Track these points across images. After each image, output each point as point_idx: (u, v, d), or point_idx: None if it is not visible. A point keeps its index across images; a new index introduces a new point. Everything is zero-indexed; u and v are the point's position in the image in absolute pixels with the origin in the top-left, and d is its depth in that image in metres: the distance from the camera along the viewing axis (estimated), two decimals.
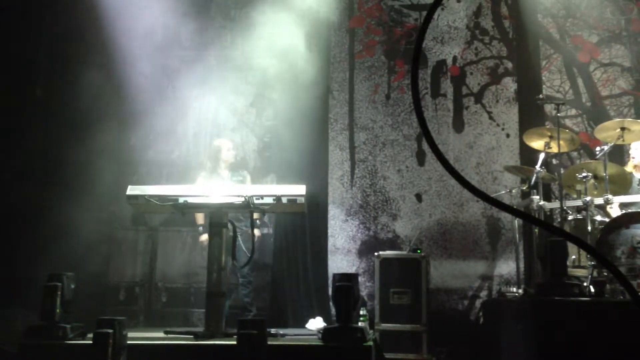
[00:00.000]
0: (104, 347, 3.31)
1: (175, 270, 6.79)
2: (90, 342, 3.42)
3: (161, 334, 4.47)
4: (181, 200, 4.41)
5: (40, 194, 5.81)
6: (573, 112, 6.95)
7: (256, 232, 5.54)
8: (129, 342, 3.54)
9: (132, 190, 4.45)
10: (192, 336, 4.16)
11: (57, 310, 3.90)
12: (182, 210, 4.53)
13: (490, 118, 7.03)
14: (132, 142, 6.95)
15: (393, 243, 6.73)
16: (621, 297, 4.14)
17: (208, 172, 5.84)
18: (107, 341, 3.32)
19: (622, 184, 5.04)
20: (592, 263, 4.52)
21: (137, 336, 4.12)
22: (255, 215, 5.48)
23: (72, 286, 4.06)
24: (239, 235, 4.83)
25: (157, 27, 6.73)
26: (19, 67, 5.99)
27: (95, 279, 6.24)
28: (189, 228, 6.61)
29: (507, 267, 6.58)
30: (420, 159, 7.01)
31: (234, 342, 3.47)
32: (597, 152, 4.95)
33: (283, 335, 4.35)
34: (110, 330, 3.36)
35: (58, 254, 5.16)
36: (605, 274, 4.35)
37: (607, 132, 5.08)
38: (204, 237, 5.45)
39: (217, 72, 7.03)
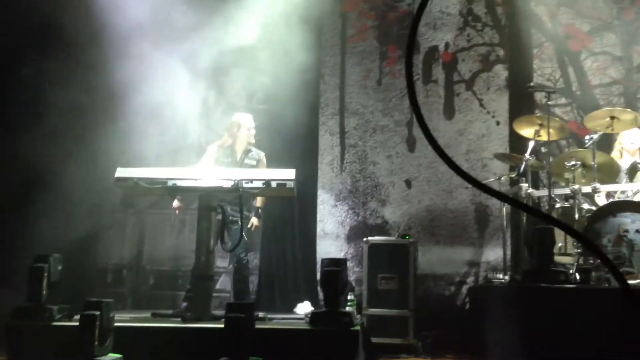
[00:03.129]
0: (91, 329, 3.31)
1: (163, 253, 6.77)
2: (77, 324, 3.41)
3: (148, 317, 4.47)
4: (170, 183, 4.39)
5: (27, 176, 5.76)
6: (563, 100, 6.96)
7: (254, 220, 5.44)
8: (116, 324, 3.54)
9: (120, 172, 4.42)
10: (179, 319, 4.16)
11: (44, 292, 3.89)
12: (171, 193, 4.51)
13: (481, 105, 7.03)
14: (121, 124, 6.88)
15: (382, 229, 6.75)
16: (606, 285, 4.18)
17: (221, 147, 5.48)
18: (94, 323, 3.32)
19: (610, 172, 5.07)
20: (579, 250, 4.56)
21: (124, 318, 4.12)
22: (258, 203, 5.42)
23: (59, 268, 4.05)
24: (240, 223, 4.74)
25: (146, 7, 6.64)
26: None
27: (82, 261, 6.20)
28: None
29: (494, 253, 6.62)
30: (411, 145, 7.00)
31: (222, 326, 3.48)
32: (586, 141, 4.97)
33: (271, 319, 4.37)
34: (97, 312, 3.35)
35: (45, 236, 5.12)
36: (591, 261, 4.39)
37: (596, 121, 5.10)
38: (176, 203, 5.23)
39: (207, 54, 6.96)
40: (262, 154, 5.61)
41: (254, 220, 5.43)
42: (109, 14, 6.32)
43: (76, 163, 5.93)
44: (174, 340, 3.80)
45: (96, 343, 3.31)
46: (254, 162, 5.47)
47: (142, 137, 6.89)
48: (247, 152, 5.51)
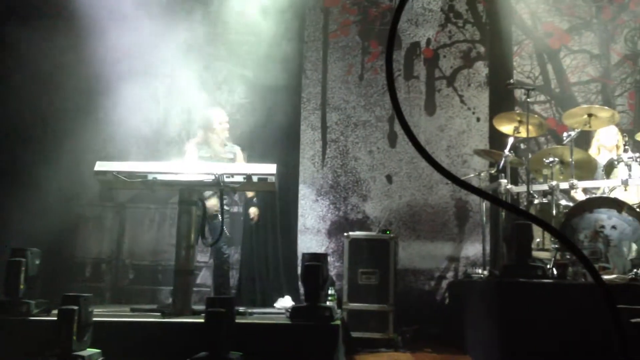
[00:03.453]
0: (69, 324, 3.28)
1: (143, 248, 6.73)
2: (55, 318, 3.38)
3: (128, 311, 4.44)
4: (150, 177, 4.36)
5: (5, 169, 5.67)
6: (542, 97, 7.05)
7: (254, 210, 5.65)
8: (94, 319, 3.51)
9: (100, 166, 4.38)
10: (159, 313, 4.14)
11: (21, 286, 3.84)
12: (151, 188, 4.48)
13: (462, 102, 7.09)
14: (100, 117, 6.81)
15: (363, 224, 6.78)
16: (582, 280, 4.24)
17: (199, 144, 5.54)
18: (72, 318, 3.28)
19: (587, 169, 5.14)
20: (556, 246, 4.62)
21: (103, 313, 4.09)
22: (250, 193, 5.56)
23: (37, 262, 4.00)
24: (226, 217, 4.77)
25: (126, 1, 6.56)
26: None
27: (60, 255, 6.14)
28: (158, 205, 6.55)
29: (473, 249, 6.69)
30: (392, 140, 7.04)
31: (202, 320, 3.47)
32: (564, 138, 5.03)
33: (251, 314, 4.36)
34: (76, 307, 3.32)
35: (23, 230, 5.06)
36: (568, 256, 4.45)
37: (574, 118, 5.16)
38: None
39: (188, 47, 6.91)
40: (237, 148, 5.70)
41: (253, 210, 5.56)
42: (87, 3, 6.24)
43: (54, 156, 5.86)
44: (153, 335, 3.77)
45: (74, 338, 3.28)
46: (231, 156, 5.53)
47: (122, 131, 6.83)
48: (223, 146, 5.56)
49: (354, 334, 5.15)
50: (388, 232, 5.71)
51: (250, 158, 6.67)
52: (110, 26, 6.33)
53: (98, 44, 6.35)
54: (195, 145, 5.56)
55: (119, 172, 4.32)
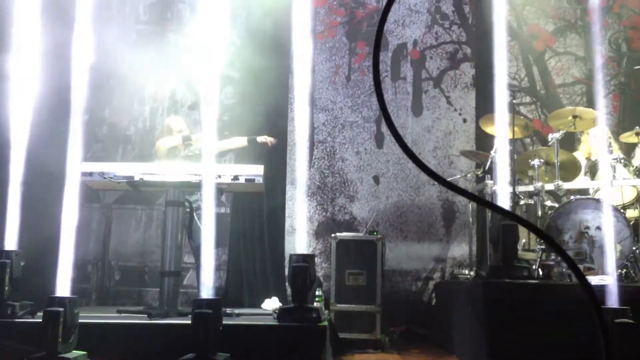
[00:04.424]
0: (55, 326, 3.25)
1: (129, 249, 6.69)
2: (40, 320, 3.35)
3: (114, 313, 4.41)
4: (137, 177, 4.34)
5: None
6: (528, 99, 7.10)
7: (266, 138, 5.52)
8: (80, 320, 3.48)
9: (85, 166, 4.35)
10: (145, 315, 4.12)
11: (6, 288, 3.80)
12: (138, 188, 4.46)
13: (448, 103, 7.12)
14: (86, 118, 6.76)
15: (350, 225, 6.79)
16: (567, 280, 4.28)
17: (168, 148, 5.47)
18: (58, 320, 3.26)
19: (572, 170, 5.19)
20: (542, 247, 4.66)
21: (89, 315, 4.06)
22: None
23: (22, 263, 3.97)
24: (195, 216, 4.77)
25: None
26: None
27: (46, 257, 6.08)
28: (145, 206, 6.51)
29: (460, 249, 6.72)
30: (379, 141, 7.06)
31: (189, 322, 3.46)
32: (549, 139, 5.07)
33: (238, 315, 4.35)
34: (61, 309, 3.29)
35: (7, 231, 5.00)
36: (554, 257, 4.49)
37: (559, 120, 5.21)
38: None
39: (175, 48, 6.90)
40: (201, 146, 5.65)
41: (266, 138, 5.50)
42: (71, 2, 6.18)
43: (39, 156, 5.80)
44: (140, 336, 3.76)
45: (60, 340, 3.25)
46: (197, 152, 5.49)
47: (108, 131, 6.79)
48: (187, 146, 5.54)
49: (341, 335, 5.15)
50: (375, 233, 5.73)
51: (237, 159, 6.67)
52: (97, 27, 6.28)
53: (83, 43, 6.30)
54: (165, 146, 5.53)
55: (104, 173, 4.30)
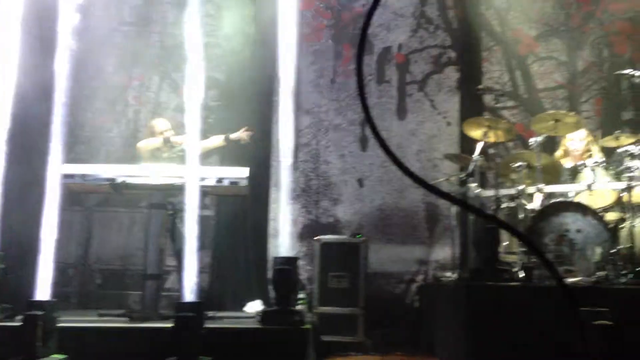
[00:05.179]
0: (34, 330, 3.22)
1: (111, 252, 6.63)
2: (20, 324, 3.31)
3: (95, 317, 4.38)
4: (119, 180, 4.30)
5: None
6: (511, 103, 7.16)
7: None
8: (60, 324, 3.45)
9: (67, 168, 4.31)
10: (127, 318, 4.09)
11: None
12: (120, 191, 4.43)
13: (433, 106, 7.16)
14: (68, 119, 6.70)
15: (334, 227, 6.80)
16: (548, 283, 4.32)
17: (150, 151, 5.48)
18: (37, 323, 3.23)
19: (553, 174, 5.23)
20: (523, 249, 4.69)
21: (70, 319, 4.02)
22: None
23: (1, 266, 3.92)
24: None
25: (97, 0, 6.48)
26: None
27: (26, 260, 6.01)
28: (127, 209, 6.45)
29: (443, 252, 6.75)
30: (363, 144, 7.08)
31: (171, 325, 3.44)
32: (531, 143, 5.11)
33: (221, 318, 4.33)
34: (41, 312, 3.26)
35: None
36: (534, 260, 4.52)
37: (541, 124, 5.25)
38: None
39: (159, 49, 6.87)
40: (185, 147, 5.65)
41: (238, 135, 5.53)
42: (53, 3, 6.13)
43: (20, 158, 5.74)
44: (121, 340, 3.72)
45: (39, 343, 3.22)
46: (182, 154, 5.49)
47: (91, 133, 6.74)
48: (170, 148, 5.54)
49: (325, 338, 5.15)
50: (359, 236, 5.74)
51: (222, 161, 6.64)
52: (81, 28, 6.22)
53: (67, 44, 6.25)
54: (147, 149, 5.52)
55: (86, 175, 4.26)
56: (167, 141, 5.34)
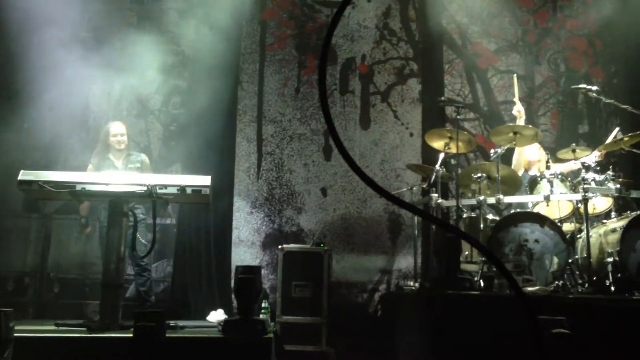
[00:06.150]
0: None
1: (69, 260, 6.48)
2: None
3: (52, 327, 4.27)
4: (79, 187, 4.22)
5: None
6: (471, 115, 7.31)
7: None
8: (15, 334, 3.36)
9: (24, 175, 4.21)
10: (85, 329, 4.01)
11: None
12: (79, 198, 4.34)
13: (396, 117, 7.25)
14: (27, 126, 6.56)
15: (297, 236, 6.80)
16: (507, 292, 4.40)
17: (98, 159, 5.47)
18: None
19: (513, 184, 5.35)
20: (483, 259, 4.78)
21: (26, 329, 3.91)
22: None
23: None
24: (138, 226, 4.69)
25: (57, 5, 6.35)
26: None
27: None
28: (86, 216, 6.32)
29: (405, 261, 6.83)
30: (327, 153, 7.11)
31: (131, 335, 3.39)
32: (491, 155, 5.22)
33: (182, 328, 4.29)
34: None
35: None
36: (494, 269, 4.61)
37: (501, 136, 5.37)
38: (88, 230, 5.53)
39: (121, 56, 6.76)
40: (143, 156, 5.68)
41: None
42: (11, 8, 6.01)
43: None
44: (79, 351, 3.65)
45: None
46: (138, 165, 5.51)
47: (50, 140, 6.59)
48: (127, 156, 5.55)
49: (287, 347, 5.14)
50: (322, 245, 5.75)
51: (184, 169, 6.58)
52: (40, 34, 6.11)
53: (24, 50, 6.13)
54: (96, 158, 5.50)
55: (44, 182, 4.16)
56: (83, 226, 5.51)
